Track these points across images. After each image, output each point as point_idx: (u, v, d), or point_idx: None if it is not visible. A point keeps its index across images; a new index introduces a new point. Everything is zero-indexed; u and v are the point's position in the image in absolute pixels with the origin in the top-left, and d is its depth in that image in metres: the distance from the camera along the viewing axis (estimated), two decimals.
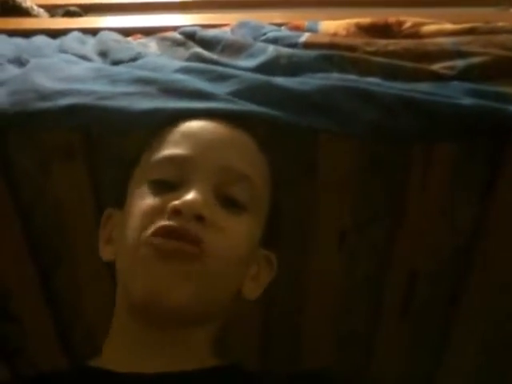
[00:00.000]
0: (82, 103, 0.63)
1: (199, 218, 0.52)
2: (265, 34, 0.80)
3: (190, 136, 0.59)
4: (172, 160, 0.57)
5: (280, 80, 0.66)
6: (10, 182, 0.74)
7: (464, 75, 0.67)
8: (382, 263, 0.86)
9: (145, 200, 0.56)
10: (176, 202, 0.53)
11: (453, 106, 0.62)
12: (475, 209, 0.79)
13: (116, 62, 0.74)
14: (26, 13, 0.95)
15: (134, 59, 0.73)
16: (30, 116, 0.64)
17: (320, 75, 0.66)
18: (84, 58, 0.76)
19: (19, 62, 0.77)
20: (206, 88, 0.65)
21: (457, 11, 0.94)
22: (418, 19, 0.80)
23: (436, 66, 0.69)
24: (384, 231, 0.82)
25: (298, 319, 0.90)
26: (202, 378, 0.54)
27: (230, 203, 0.56)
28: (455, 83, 0.66)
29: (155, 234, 0.52)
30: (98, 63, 0.75)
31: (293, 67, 0.69)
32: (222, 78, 0.66)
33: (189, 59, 0.76)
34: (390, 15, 0.84)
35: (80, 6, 1.03)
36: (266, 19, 0.90)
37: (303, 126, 0.63)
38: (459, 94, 0.63)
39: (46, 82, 0.66)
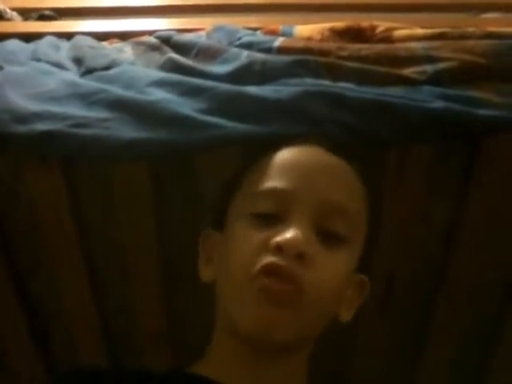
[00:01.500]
0: (58, 130, 0.64)
1: (300, 256, 0.54)
2: (240, 38, 0.81)
3: (289, 168, 0.60)
4: (273, 193, 0.58)
5: (253, 89, 0.66)
6: None
7: (434, 80, 0.69)
8: (361, 266, 0.87)
9: (248, 234, 0.57)
10: (278, 239, 0.55)
11: (425, 110, 0.63)
12: (450, 210, 0.81)
13: (90, 71, 0.74)
14: None
15: (108, 67, 0.73)
16: (5, 140, 0.64)
17: (294, 81, 0.67)
18: (58, 65, 0.75)
19: None
20: (180, 110, 0.65)
21: (429, 16, 0.95)
22: (390, 24, 0.82)
23: (407, 71, 0.70)
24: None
25: None
26: None
27: (328, 237, 0.58)
28: (426, 87, 0.68)
29: (263, 272, 0.54)
30: (73, 74, 0.74)
31: (267, 73, 0.69)
32: (195, 91, 0.67)
33: (164, 65, 0.77)
34: (364, 20, 0.85)
35: (55, 9, 1.01)
36: (242, 23, 0.90)
37: (277, 134, 0.64)
38: (431, 98, 0.64)
39: (21, 101, 0.66)
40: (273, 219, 0.57)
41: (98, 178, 0.74)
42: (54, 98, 0.68)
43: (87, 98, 0.67)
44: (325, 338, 0.93)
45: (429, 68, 0.70)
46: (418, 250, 0.86)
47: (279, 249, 0.54)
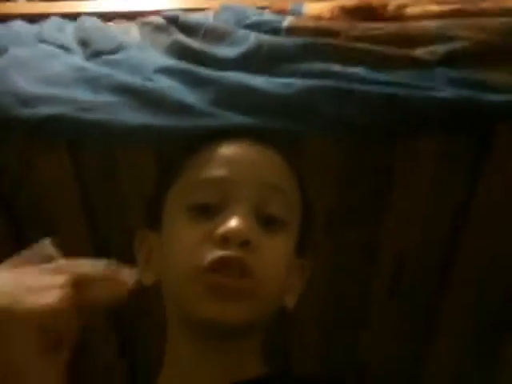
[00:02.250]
0: (63, 113, 0.63)
1: (246, 244, 0.55)
2: (247, 18, 0.79)
3: (225, 157, 0.60)
4: (210, 182, 0.59)
5: (260, 82, 0.65)
6: None
7: (447, 60, 0.67)
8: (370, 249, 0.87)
9: (188, 228, 0.57)
10: (222, 230, 0.55)
11: (433, 99, 0.61)
12: (462, 192, 0.80)
13: (96, 54, 0.73)
14: None
15: (114, 51, 0.73)
16: (10, 122, 0.64)
17: (303, 67, 0.65)
18: (64, 47, 0.74)
19: None
20: (185, 99, 0.65)
21: None
22: (402, 1, 0.79)
23: (418, 51, 0.68)
24: (372, 215, 0.83)
25: None
26: None
27: (268, 222, 0.58)
28: (438, 70, 0.66)
29: (212, 268, 0.54)
30: (79, 58, 0.73)
31: (274, 57, 0.68)
32: (201, 83, 0.66)
33: (170, 46, 0.75)
34: None
35: None
36: (250, 2, 0.88)
37: (287, 131, 0.63)
38: (440, 84, 0.63)
39: (26, 84, 0.66)
40: (211, 210, 0.57)
41: (105, 160, 0.74)
42: (59, 82, 0.67)
43: (93, 83, 0.67)
44: (334, 321, 0.94)
45: (441, 48, 0.68)
46: (429, 232, 0.86)
47: (224, 239, 0.55)
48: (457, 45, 0.68)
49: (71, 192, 0.78)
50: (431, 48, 0.69)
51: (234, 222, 0.55)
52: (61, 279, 0.38)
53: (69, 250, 0.82)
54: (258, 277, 0.56)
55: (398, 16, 0.77)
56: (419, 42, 0.69)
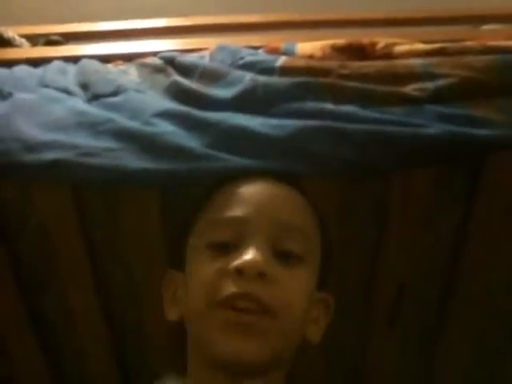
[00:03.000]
0: (65, 159, 0.66)
1: (261, 275, 0.56)
2: (242, 58, 0.82)
3: (242, 198, 0.62)
4: (227, 222, 0.61)
5: (256, 124, 0.68)
6: None
7: (435, 97, 0.69)
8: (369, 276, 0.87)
9: (206, 265, 0.59)
10: (237, 262, 0.56)
11: (423, 136, 0.64)
12: (457, 218, 0.81)
13: (96, 97, 0.76)
14: (8, 43, 0.96)
15: (114, 94, 0.75)
16: (15, 168, 0.67)
17: (296, 106, 0.68)
18: (65, 91, 0.77)
19: (1, 94, 0.78)
20: (184, 143, 0.67)
21: (430, 30, 0.96)
22: (390, 39, 0.82)
23: (408, 88, 0.71)
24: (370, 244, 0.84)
25: None
26: None
27: (285, 257, 0.60)
28: (427, 107, 0.68)
29: (227, 305, 0.55)
30: (80, 101, 0.76)
31: (269, 97, 0.71)
32: (200, 126, 0.69)
33: (169, 88, 0.78)
34: (365, 34, 0.86)
35: (61, 34, 1.04)
36: (244, 42, 0.91)
37: (282, 172, 0.65)
38: (430, 120, 0.65)
39: (30, 129, 0.69)
40: (229, 248, 0.59)
41: (107, 200, 0.76)
42: (62, 127, 0.70)
43: (94, 128, 0.70)
44: (335, 353, 0.94)
45: (430, 85, 0.70)
46: (427, 261, 0.86)
47: (239, 272, 0.56)
48: (444, 82, 0.71)
49: (72, 226, 0.79)
50: (420, 85, 0.72)
51: (249, 255, 0.56)
52: None
53: (71, 284, 0.83)
54: (276, 310, 0.56)
55: (387, 54, 0.80)
56: (407, 80, 0.72)
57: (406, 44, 0.81)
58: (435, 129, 0.64)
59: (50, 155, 0.66)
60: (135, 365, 0.93)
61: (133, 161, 0.66)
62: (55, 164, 0.66)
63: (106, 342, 0.90)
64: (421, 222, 0.81)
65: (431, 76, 0.70)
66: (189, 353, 0.63)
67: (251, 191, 0.63)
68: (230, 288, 0.55)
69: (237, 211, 0.61)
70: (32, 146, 0.67)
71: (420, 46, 0.79)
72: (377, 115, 0.67)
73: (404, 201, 0.77)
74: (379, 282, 0.88)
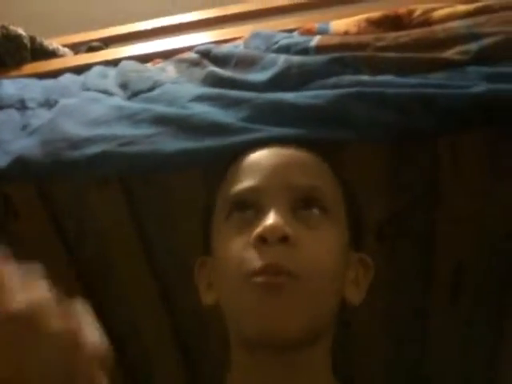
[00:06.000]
0: (107, 150, 0.67)
1: (284, 239, 0.55)
2: (277, 42, 0.81)
3: (254, 167, 0.61)
4: (243, 194, 0.60)
5: (291, 97, 0.67)
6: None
7: (479, 58, 0.66)
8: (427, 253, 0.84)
9: (231, 241, 0.58)
10: (258, 230, 0.55)
11: (466, 96, 0.60)
12: None
13: (135, 93, 0.77)
14: (52, 54, 1.00)
15: (151, 89, 0.77)
16: (63, 166, 0.69)
17: (332, 80, 0.66)
18: (106, 92, 0.79)
19: (48, 104, 0.82)
20: (221, 119, 0.67)
21: None
22: (428, 5, 0.79)
23: (449, 53, 0.68)
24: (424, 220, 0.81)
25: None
26: None
27: (307, 217, 0.58)
28: (471, 68, 0.65)
29: (255, 274, 0.55)
30: (119, 99, 0.78)
31: (305, 76, 0.70)
32: (234, 103, 0.69)
33: (205, 79, 0.78)
34: (402, 4, 0.83)
35: (101, 39, 1.08)
36: (278, 26, 0.91)
37: (322, 140, 0.64)
38: (474, 81, 0.62)
39: (73, 129, 0.71)
40: (250, 219, 0.58)
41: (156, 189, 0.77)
42: (102, 122, 0.72)
43: (133, 118, 0.71)
44: (394, 326, 0.92)
45: (473, 46, 0.67)
46: (486, 234, 0.83)
47: (263, 239, 0.54)
48: (488, 41, 0.67)
49: (126, 225, 0.81)
50: (462, 47, 0.68)
51: (269, 221, 0.55)
52: None
53: (130, 284, 0.85)
54: (305, 275, 0.55)
55: (425, 21, 0.77)
56: (449, 44, 0.69)
57: (445, 8, 0.77)
58: (479, 88, 0.61)
59: (93, 149, 0.68)
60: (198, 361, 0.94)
61: (170, 143, 0.67)
62: (99, 156, 0.68)
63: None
64: (476, 192, 0.78)
65: (475, 37, 0.67)
66: (230, 339, 0.62)
67: (263, 158, 0.62)
68: (255, 262, 0.54)
69: (250, 181, 0.60)
70: (76, 143, 0.69)
71: (461, 8, 0.75)
72: (417, 81, 0.64)
73: (454, 170, 0.74)
74: (436, 258, 0.85)
